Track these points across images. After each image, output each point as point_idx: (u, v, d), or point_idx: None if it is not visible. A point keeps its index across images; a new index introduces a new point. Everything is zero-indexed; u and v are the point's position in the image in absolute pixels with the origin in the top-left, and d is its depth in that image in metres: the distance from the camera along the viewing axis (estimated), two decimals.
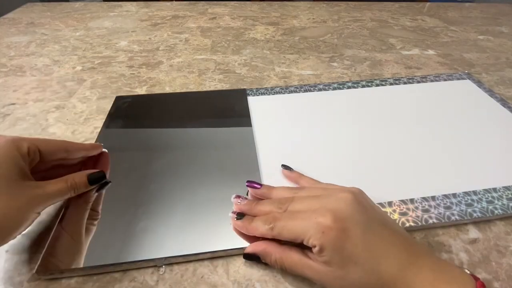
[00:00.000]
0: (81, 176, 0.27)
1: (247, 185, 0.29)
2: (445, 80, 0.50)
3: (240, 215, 0.26)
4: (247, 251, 0.26)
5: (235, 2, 0.91)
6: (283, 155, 0.35)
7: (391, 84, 0.49)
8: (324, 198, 0.24)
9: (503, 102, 0.44)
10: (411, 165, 0.34)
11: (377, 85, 0.48)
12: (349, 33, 0.71)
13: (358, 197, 0.24)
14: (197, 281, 0.25)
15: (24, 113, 0.44)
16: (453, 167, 0.34)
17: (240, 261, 0.26)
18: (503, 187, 0.31)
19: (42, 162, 0.26)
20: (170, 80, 0.52)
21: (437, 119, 0.41)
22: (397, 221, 0.28)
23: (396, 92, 0.47)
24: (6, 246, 0.27)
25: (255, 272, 0.26)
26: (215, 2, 0.91)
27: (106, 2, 0.90)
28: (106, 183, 0.30)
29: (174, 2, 0.91)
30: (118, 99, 0.46)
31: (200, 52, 0.61)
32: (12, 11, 0.82)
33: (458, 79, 0.50)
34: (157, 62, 0.57)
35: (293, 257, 0.23)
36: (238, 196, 0.28)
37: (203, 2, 0.91)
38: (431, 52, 0.62)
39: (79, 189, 0.27)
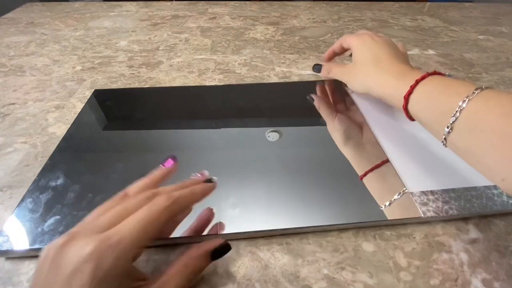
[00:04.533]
0: (201, 257, 0.23)
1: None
2: None
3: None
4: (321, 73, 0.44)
5: (235, 2, 0.91)
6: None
7: None
8: None
9: None
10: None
11: None
12: (349, 33, 0.71)
13: None
14: (197, 281, 0.25)
15: (24, 113, 0.44)
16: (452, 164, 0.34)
17: (240, 261, 0.26)
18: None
19: None
20: (170, 80, 0.52)
21: None
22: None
23: None
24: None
25: (255, 272, 0.26)
26: (215, 2, 0.91)
27: (106, 2, 0.90)
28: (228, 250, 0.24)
29: (174, 2, 0.91)
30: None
31: (200, 52, 0.61)
32: (12, 11, 0.82)
33: None
34: (157, 62, 0.57)
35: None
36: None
37: (203, 2, 0.91)
38: (431, 52, 0.62)
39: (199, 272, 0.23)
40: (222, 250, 0.24)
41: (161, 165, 0.27)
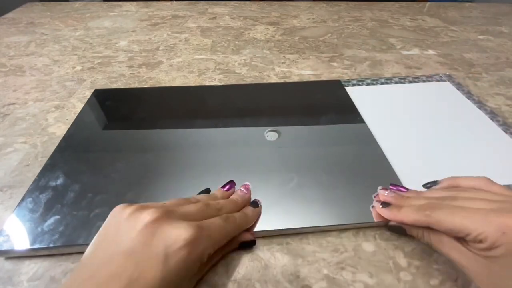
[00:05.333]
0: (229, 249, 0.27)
1: (393, 189, 0.30)
2: (424, 81, 0.50)
3: (385, 204, 0.28)
4: (392, 223, 0.27)
5: (235, 2, 0.91)
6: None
7: (367, 84, 0.49)
8: (504, 203, 0.23)
9: (480, 104, 0.44)
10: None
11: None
12: (349, 33, 0.71)
13: None
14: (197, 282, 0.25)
15: (24, 113, 0.44)
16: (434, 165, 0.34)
17: (240, 261, 0.26)
18: None
19: None
20: (170, 80, 0.52)
21: (416, 118, 0.42)
22: None
23: (373, 92, 0.48)
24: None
25: (255, 272, 0.26)
26: (215, 2, 0.91)
27: (106, 2, 0.90)
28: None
29: (174, 2, 0.91)
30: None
31: (200, 52, 0.61)
32: (12, 11, 0.82)
33: (438, 80, 0.51)
34: (157, 62, 0.57)
35: (442, 236, 0.24)
36: (384, 188, 0.30)
37: (203, 2, 0.91)
38: (431, 52, 0.62)
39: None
40: (249, 244, 0.27)
41: (242, 188, 0.30)
